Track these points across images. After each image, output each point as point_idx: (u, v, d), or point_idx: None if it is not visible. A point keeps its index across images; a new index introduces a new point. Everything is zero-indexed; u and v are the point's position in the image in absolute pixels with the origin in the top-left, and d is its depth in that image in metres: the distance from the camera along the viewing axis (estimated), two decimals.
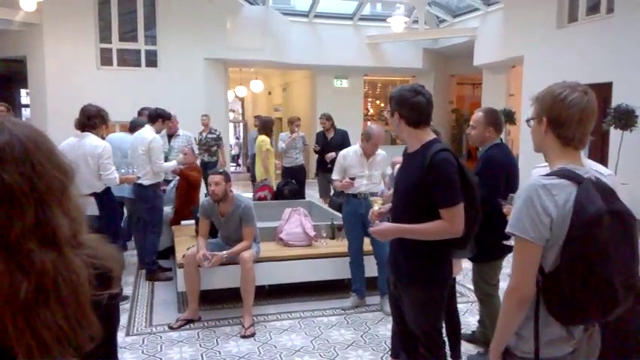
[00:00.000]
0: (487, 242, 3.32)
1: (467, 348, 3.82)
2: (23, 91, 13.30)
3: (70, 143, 4.58)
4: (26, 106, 11.72)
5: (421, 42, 13.59)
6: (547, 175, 1.64)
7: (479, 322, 3.90)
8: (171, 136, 6.81)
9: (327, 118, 8.04)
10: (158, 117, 5.53)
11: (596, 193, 1.55)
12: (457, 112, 16.41)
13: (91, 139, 4.57)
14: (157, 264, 5.46)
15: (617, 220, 1.55)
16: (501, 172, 3.37)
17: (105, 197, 4.62)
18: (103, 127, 4.86)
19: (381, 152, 4.61)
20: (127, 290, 5.09)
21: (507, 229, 1.67)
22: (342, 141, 7.91)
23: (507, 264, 3.44)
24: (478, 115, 3.51)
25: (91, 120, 4.61)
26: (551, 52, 9.47)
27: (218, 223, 4.48)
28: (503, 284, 4.28)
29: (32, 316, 0.80)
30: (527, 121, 1.79)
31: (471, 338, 3.93)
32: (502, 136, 3.68)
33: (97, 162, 4.48)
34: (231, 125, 17.14)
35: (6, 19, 10.08)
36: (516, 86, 11.32)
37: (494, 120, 3.47)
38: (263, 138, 7.57)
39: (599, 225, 1.51)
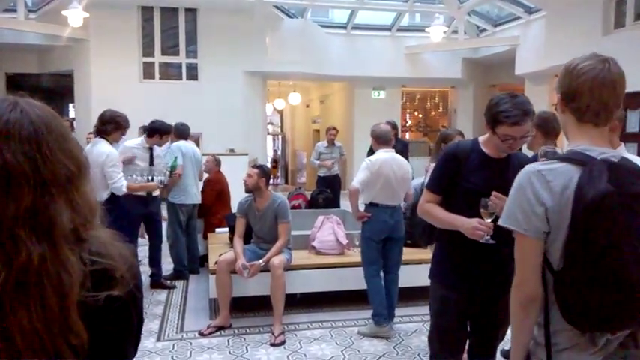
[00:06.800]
0: None
1: None
2: (71, 106, 13.77)
3: (87, 150, 4.48)
4: (73, 119, 12.15)
5: (460, 52, 13.38)
6: (550, 159, 1.47)
7: None
8: None
9: (394, 126, 7.72)
10: (154, 132, 5.14)
11: (600, 175, 1.33)
12: None
13: (98, 147, 4.37)
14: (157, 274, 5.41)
15: (635, 205, 1.32)
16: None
17: (109, 206, 4.42)
18: (119, 134, 4.59)
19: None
20: (160, 297, 5.14)
21: (499, 222, 1.53)
22: (402, 151, 7.62)
23: None
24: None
25: (104, 126, 4.42)
26: None
27: (254, 219, 4.49)
28: None
29: (6, 314, 0.71)
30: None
31: None
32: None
33: (101, 170, 4.26)
34: (269, 138, 17.29)
35: (55, 34, 10.52)
36: None
37: (540, 123, 3.21)
38: None
39: (600, 210, 1.30)
